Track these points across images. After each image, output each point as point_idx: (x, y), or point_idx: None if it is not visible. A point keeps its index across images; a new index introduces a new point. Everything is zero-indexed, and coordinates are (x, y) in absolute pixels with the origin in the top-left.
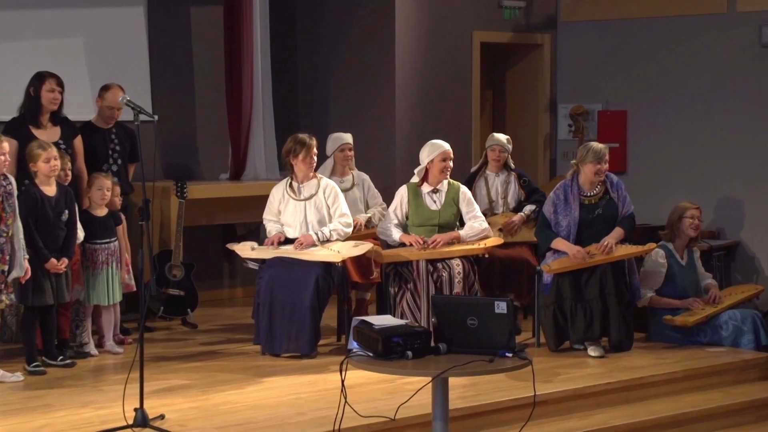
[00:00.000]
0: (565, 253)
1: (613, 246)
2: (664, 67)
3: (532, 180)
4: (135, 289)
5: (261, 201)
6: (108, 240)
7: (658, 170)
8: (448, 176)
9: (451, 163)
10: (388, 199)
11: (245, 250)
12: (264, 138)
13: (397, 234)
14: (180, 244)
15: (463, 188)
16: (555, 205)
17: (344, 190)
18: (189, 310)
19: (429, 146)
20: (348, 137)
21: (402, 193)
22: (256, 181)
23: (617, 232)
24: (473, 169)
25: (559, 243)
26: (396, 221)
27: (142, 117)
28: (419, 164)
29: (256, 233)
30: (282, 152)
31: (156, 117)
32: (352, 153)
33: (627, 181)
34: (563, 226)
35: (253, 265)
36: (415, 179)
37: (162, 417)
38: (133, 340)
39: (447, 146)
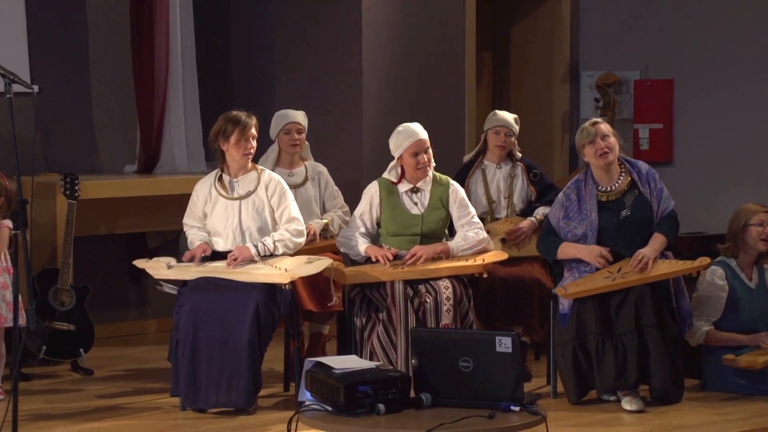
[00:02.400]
0: (588, 270)
1: (652, 261)
2: (725, 23)
3: (545, 173)
4: (6, 323)
5: (181, 201)
6: None
7: (716, 160)
8: (430, 171)
9: (427, 156)
10: (352, 199)
11: (159, 268)
12: (184, 119)
13: (362, 245)
14: (69, 260)
15: (454, 185)
16: (565, 209)
17: (294, 187)
18: (81, 350)
19: (396, 135)
20: (298, 115)
21: (372, 192)
22: (174, 175)
23: (656, 240)
24: (467, 158)
25: (567, 248)
26: (363, 229)
27: (17, 88)
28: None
29: (174, 245)
30: (209, 136)
31: (36, 88)
32: (302, 137)
33: (674, 175)
34: (579, 235)
35: (170, 289)
36: (389, 175)
37: None
38: (3, 393)
39: (420, 134)
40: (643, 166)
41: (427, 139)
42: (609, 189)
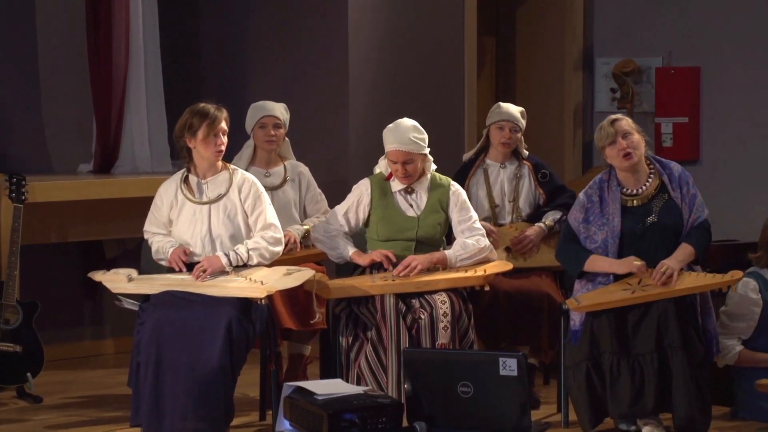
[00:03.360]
0: (604, 281)
1: (677, 273)
2: (760, 2)
3: (555, 174)
4: None
5: (142, 205)
6: None
7: (749, 159)
8: (425, 171)
9: (406, 169)
10: (337, 203)
11: (118, 281)
12: (147, 112)
13: (348, 249)
14: (15, 272)
15: (455, 186)
16: (586, 211)
17: (271, 189)
18: (29, 374)
19: (385, 131)
20: (276, 108)
21: (363, 188)
22: (135, 175)
23: (683, 251)
24: (467, 156)
25: (596, 261)
26: (346, 229)
27: None
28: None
29: (135, 255)
30: (174, 131)
31: None
32: (280, 132)
33: (700, 175)
34: (598, 242)
35: (130, 305)
36: (381, 167)
37: None
38: None
39: (402, 143)
40: (676, 167)
41: (413, 150)
42: (635, 192)
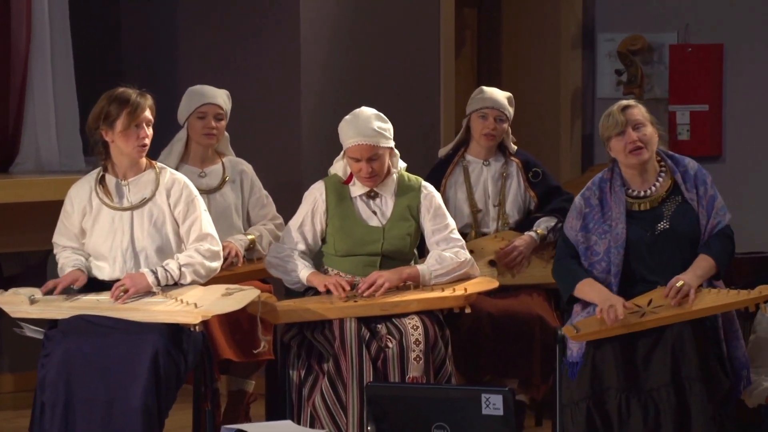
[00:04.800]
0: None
1: (694, 290)
2: None
3: (549, 173)
4: None
5: (49, 212)
6: None
7: None
8: (391, 170)
9: (372, 167)
10: (287, 209)
11: (18, 303)
12: (54, 99)
13: (303, 270)
14: None
15: (428, 188)
16: (584, 218)
17: (206, 191)
18: None
19: (342, 123)
20: (218, 95)
21: (316, 195)
22: (40, 174)
23: (701, 264)
24: (443, 152)
25: (586, 287)
26: (302, 245)
27: None
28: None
29: (41, 273)
30: (87, 122)
31: None
32: (221, 125)
33: (723, 174)
34: (600, 254)
35: (33, 332)
36: (338, 169)
37: None
38: None
39: (366, 136)
40: (691, 164)
41: (379, 143)
42: (643, 194)
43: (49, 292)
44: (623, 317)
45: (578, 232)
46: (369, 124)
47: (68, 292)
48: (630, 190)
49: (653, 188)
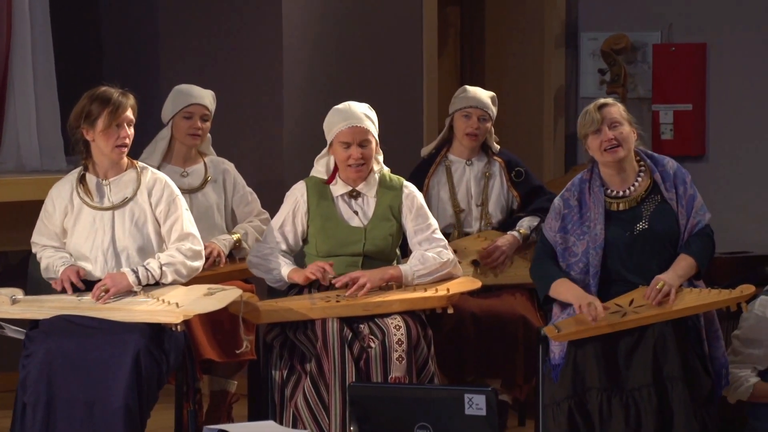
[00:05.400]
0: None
1: (675, 290)
2: None
3: (532, 173)
4: None
5: (29, 212)
6: None
7: (763, 155)
8: (376, 167)
9: (363, 152)
10: (270, 207)
11: (0, 302)
12: (35, 98)
13: (285, 267)
14: None
15: (409, 188)
16: (563, 218)
17: (189, 191)
18: None
19: (330, 114)
20: (205, 96)
21: (297, 195)
22: (20, 174)
23: (681, 263)
24: (425, 151)
25: (560, 287)
26: (284, 245)
27: None
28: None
29: (21, 272)
30: (68, 121)
31: None
32: (207, 126)
33: (707, 174)
34: (578, 254)
35: (14, 333)
36: (319, 172)
37: None
38: None
39: (360, 119)
40: (671, 163)
41: (370, 128)
42: (621, 194)
43: (63, 291)
44: (603, 315)
45: (557, 233)
46: (358, 111)
47: (76, 290)
48: (609, 191)
49: (632, 188)
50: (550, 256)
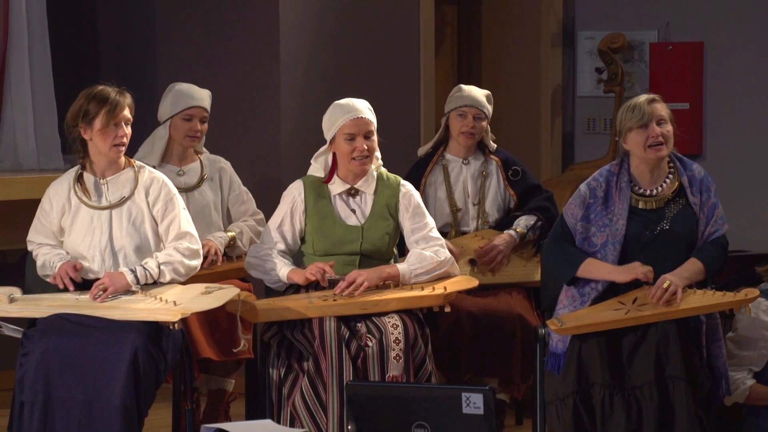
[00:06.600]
0: (591, 292)
1: (680, 291)
2: None
3: (528, 171)
4: None
5: (26, 210)
6: None
7: (760, 154)
8: (373, 167)
9: (367, 144)
10: (267, 206)
11: None
12: (32, 96)
13: (283, 268)
14: None
15: (407, 187)
16: (587, 207)
17: (186, 190)
18: None
19: (331, 110)
20: (204, 98)
21: (294, 194)
22: (17, 173)
23: (691, 266)
24: (422, 151)
25: (591, 266)
26: (282, 245)
27: None
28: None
29: (19, 271)
30: (66, 120)
31: None
32: (206, 128)
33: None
34: (597, 245)
35: (11, 332)
36: (317, 170)
37: None
38: None
39: (362, 111)
40: (699, 169)
41: (372, 120)
42: (648, 193)
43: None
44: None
45: (578, 221)
46: (360, 106)
47: (76, 285)
48: (636, 187)
49: (660, 188)
50: (567, 240)
